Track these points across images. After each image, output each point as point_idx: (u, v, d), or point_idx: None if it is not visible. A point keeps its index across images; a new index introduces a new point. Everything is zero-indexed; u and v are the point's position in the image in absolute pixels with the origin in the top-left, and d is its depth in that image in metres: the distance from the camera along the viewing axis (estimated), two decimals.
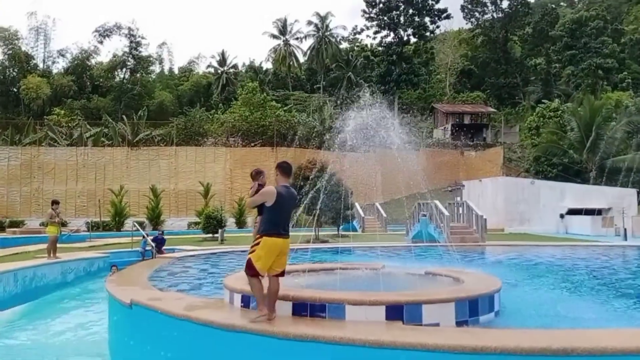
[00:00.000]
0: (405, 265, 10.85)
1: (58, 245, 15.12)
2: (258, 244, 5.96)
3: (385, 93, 59.58)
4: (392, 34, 70.24)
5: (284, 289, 6.40)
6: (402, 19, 70.02)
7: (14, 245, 21.15)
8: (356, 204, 32.81)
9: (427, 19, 70.84)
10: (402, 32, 70.38)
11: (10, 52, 61.78)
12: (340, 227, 27.70)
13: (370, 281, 8.13)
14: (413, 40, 72.29)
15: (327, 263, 11.58)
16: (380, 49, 72.36)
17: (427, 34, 71.63)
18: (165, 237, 19.85)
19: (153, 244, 18.14)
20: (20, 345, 8.93)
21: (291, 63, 74.64)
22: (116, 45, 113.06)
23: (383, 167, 37.96)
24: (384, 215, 33.62)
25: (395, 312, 5.86)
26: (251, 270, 5.93)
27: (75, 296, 13.59)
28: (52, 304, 12.65)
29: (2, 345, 8.85)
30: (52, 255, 14.50)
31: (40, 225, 30.67)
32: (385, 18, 69.51)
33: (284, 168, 6.16)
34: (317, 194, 17.37)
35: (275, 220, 5.93)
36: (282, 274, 6.01)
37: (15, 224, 34.58)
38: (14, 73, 62.48)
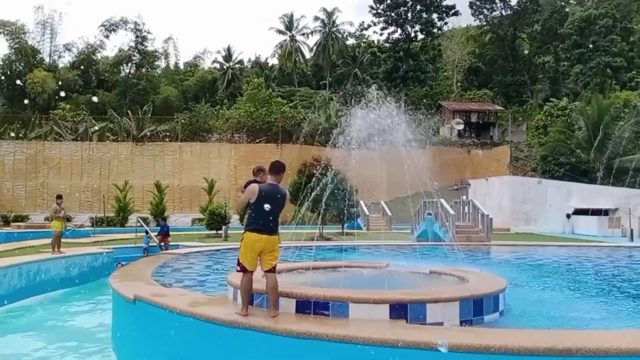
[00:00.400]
0: (410, 264, 10.81)
1: (62, 240, 15.16)
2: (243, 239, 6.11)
3: (391, 90, 59.40)
4: (399, 30, 69.99)
5: (287, 286, 6.39)
6: (409, 15, 69.75)
7: (18, 240, 21.22)
8: (361, 202, 32.78)
9: (434, 16, 70.52)
10: (409, 29, 70.12)
11: (17, 46, 61.95)
12: (345, 225, 27.68)
13: (374, 279, 8.10)
14: (420, 36, 71.96)
15: (331, 261, 11.54)
16: (387, 45, 72.09)
17: (435, 30, 71.31)
18: (170, 233, 19.87)
19: (157, 240, 18.16)
20: (24, 339, 8.96)
21: (297, 59, 74.46)
22: (122, 40, 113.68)
23: (389, 165, 37.84)
24: (389, 213, 33.56)
25: (399, 310, 5.84)
26: (239, 266, 6.07)
27: (78, 291, 13.65)
28: (55, 298, 12.70)
29: (4, 339, 8.88)
30: (56, 250, 14.55)
31: (44, 219, 30.79)
32: (393, 14, 69.25)
33: (273, 167, 6.30)
34: (321, 192, 17.33)
35: (256, 216, 6.03)
36: (272, 270, 5.99)
37: (20, 219, 34.75)
38: (20, 67, 62.69)
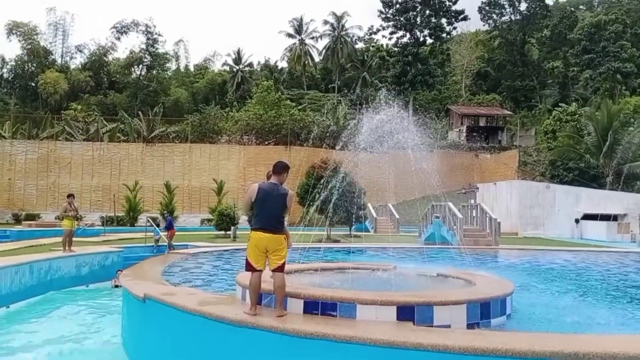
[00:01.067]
0: (417, 266, 10.83)
1: (73, 238, 15.31)
2: None
3: (400, 94, 59.35)
4: (408, 35, 69.92)
5: (295, 287, 6.45)
6: (418, 19, 69.68)
7: (29, 238, 21.46)
8: (369, 205, 32.77)
9: (444, 20, 70.41)
10: (418, 33, 70.05)
11: (29, 47, 62.50)
12: (353, 227, 27.68)
13: (381, 281, 8.14)
14: (429, 41, 71.87)
15: (339, 262, 11.59)
16: (395, 49, 72.04)
17: (444, 35, 71.18)
18: (177, 232, 20.00)
19: (166, 239, 18.29)
20: (34, 336, 9.07)
21: (306, 62, 74.60)
22: (133, 42, 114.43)
23: (397, 168, 37.86)
24: (397, 216, 33.53)
25: (406, 312, 5.87)
26: (247, 265, 6.17)
27: (89, 289, 13.79)
28: (66, 296, 12.83)
29: (15, 337, 9.00)
30: (67, 248, 14.70)
31: (55, 218, 31.06)
32: (402, 18, 69.22)
33: (275, 167, 6.44)
34: (329, 194, 17.36)
35: (256, 215, 6.19)
36: (279, 269, 6.04)
37: (31, 217, 35.08)
38: (32, 68, 63.24)
